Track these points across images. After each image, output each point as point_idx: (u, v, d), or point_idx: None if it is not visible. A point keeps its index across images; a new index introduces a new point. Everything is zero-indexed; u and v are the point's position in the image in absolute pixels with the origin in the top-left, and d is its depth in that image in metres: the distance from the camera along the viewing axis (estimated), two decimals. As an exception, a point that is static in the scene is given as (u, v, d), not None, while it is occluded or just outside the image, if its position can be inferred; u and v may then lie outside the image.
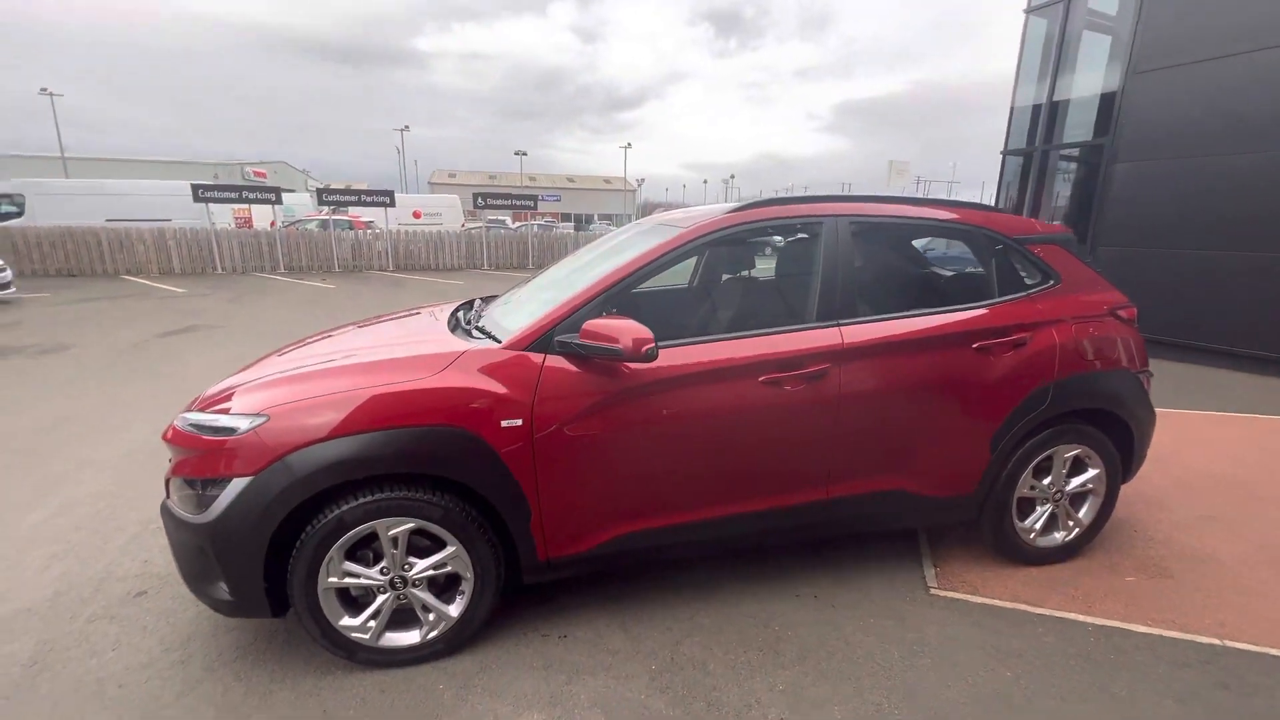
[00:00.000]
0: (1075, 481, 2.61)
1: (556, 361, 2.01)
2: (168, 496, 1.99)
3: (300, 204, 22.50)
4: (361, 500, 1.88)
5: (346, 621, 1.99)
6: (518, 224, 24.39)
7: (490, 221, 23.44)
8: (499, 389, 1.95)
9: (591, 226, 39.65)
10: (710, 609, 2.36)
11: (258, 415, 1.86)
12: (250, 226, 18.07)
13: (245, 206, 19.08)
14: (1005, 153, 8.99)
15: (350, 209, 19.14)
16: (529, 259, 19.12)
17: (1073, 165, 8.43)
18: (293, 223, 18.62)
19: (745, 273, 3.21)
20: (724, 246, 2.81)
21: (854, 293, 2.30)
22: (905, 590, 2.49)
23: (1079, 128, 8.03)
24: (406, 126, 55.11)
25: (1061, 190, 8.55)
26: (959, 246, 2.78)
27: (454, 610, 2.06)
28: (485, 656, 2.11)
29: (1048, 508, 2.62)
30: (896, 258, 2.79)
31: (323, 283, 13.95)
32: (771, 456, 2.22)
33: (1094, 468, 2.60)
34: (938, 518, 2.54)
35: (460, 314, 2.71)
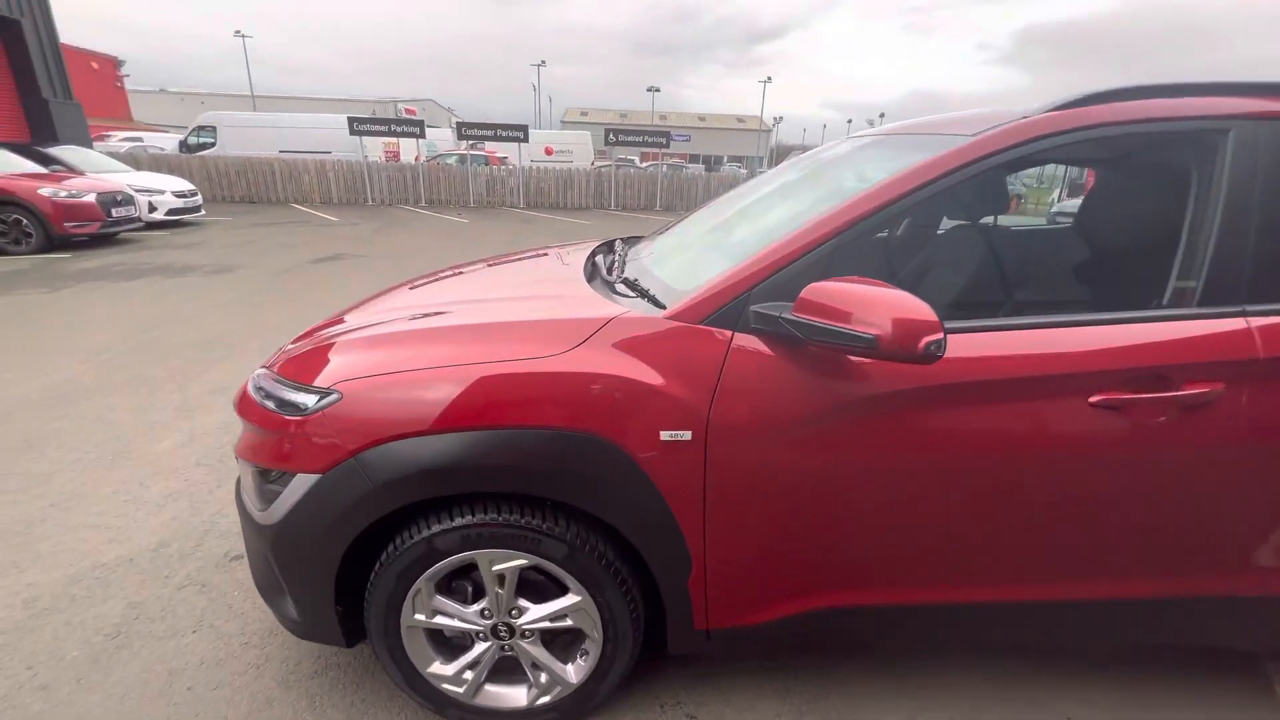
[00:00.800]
0: None
1: (751, 343, 1.28)
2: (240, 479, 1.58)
3: (443, 139, 23.14)
4: (458, 523, 1.32)
5: (437, 669, 1.49)
6: (647, 164, 23.46)
7: (620, 160, 22.73)
8: (658, 381, 1.26)
9: (721, 168, 37.53)
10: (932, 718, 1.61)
11: (329, 390, 1.33)
12: (398, 160, 18.89)
13: (394, 141, 19.94)
14: None
15: (486, 144, 19.32)
16: (656, 200, 18.26)
17: None
18: (434, 157, 19.20)
19: (992, 220, 2.21)
20: (1014, 169, 1.82)
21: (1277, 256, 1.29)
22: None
23: None
24: (543, 62, 55.16)
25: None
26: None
27: (573, 675, 1.49)
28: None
29: None
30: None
31: (458, 217, 14.21)
32: (1096, 523, 1.35)
33: None
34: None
35: (600, 258, 2.04)
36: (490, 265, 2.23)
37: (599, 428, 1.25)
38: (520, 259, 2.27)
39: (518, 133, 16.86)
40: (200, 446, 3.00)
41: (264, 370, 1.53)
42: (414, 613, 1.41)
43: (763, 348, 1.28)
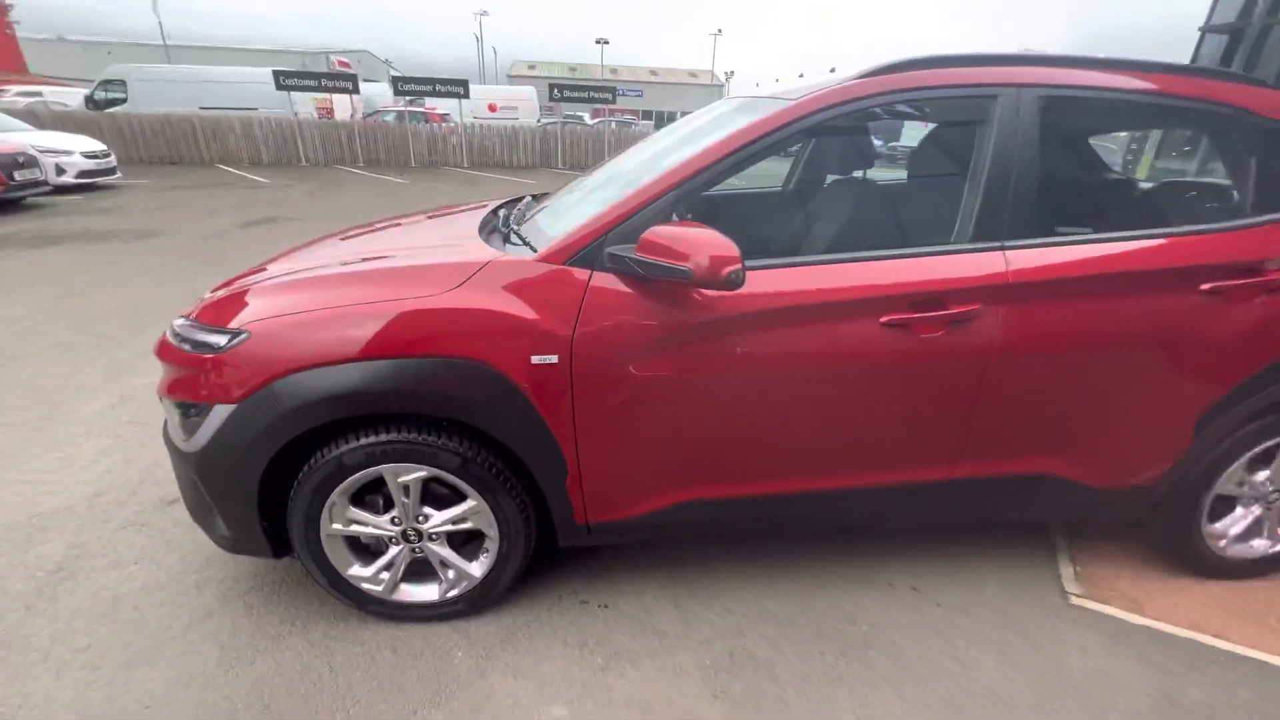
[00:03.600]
0: (1302, 479, 1.91)
1: (606, 281, 1.51)
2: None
3: (380, 94, 22.12)
4: (363, 442, 1.54)
5: (356, 571, 1.73)
6: (595, 120, 23.11)
7: (567, 117, 22.26)
8: (529, 314, 1.49)
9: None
10: (781, 593, 1.95)
11: (240, 331, 1.51)
12: (331, 117, 18.02)
13: (327, 98, 18.95)
14: (1205, 28, 7.05)
15: (426, 100, 18.60)
16: (605, 158, 18.08)
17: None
18: (371, 114, 18.39)
19: (860, 174, 2.49)
20: (840, 133, 2.10)
21: (1031, 203, 1.60)
22: (1035, 595, 1.96)
23: (1321, -6, 6.05)
24: (485, 12, 52.54)
25: None
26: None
27: (476, 570, 1.76)
28: (513, 621, 1.82)
29: (1254, 510, 1.95)
30: (1091, 155, 2.00)
31: (398, 178, 13.80)
32: (884, 423, 1.68)
33: (1336, 463, 1.89)
34: (1095, 512, 1.94)
35: (502, 212, 2.23)
36: (430, 218, 2.36)
37: (480, 354, 1.48)
38: (456, 212, 2.40)
39: (458, 88, 16.31)
40: (131, 406, 3.08)
41: (182, 318, 1.68)
42: (331, 523, 1.64)
43: (616, 285, 1.52)
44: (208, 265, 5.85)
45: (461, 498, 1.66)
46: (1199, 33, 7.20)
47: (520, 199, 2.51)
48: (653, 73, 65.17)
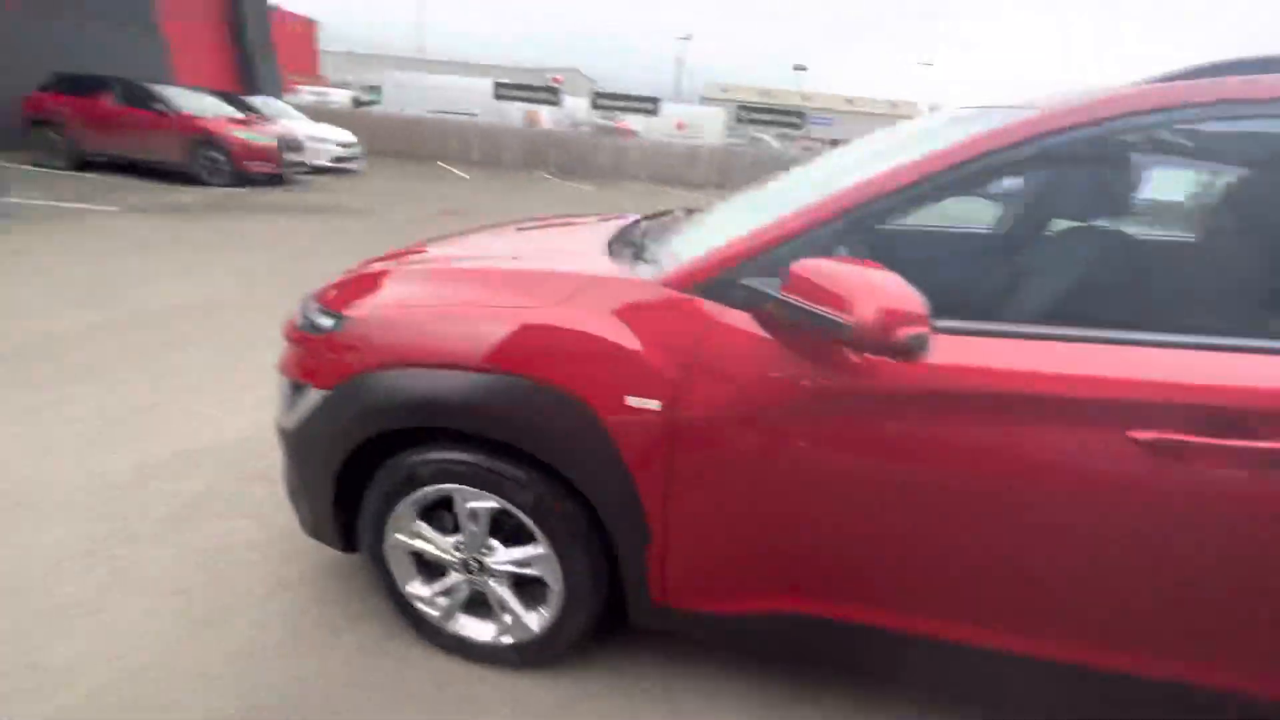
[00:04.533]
0: None
1: (736, 320, 1.20)
2: None
3: (581, 108, 23.89)
4: (434, 457, 1.39)
5: (415, 589, 1.60)
6: (780, 144, 22.66)
7: (753, 138, 22.09)
8: (634, 345, 1.23)
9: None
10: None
11: (342, 316, 1.44)
12: (539, 125, 19.76)
13: (535, 108, 20.87)
14: None
15: (619, 115, 19.61)
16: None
17: None
18: (571, 125, 19.83)
19: (1104, 224, 1.87)
20: (1093, 163, 1.56)
21: None
22: None
23: None
24: (689, 36, 54.58)
25: None
26: None
27: (533, 622, 1.53)
28: (567, 692, 1.57)
29: None
30: None
31: (585, 185, 14.64)
32: (1104, 580, 1.14)
33: None
34: None
35: (643, 225, 2.01)
36: (602, 221, 2.22)
37: (568, 382, 1.25)
38: (603, 220, 2.24)
39: (649, 105, 16.94)
40: (300, 363, 3.40)
41: (307, 295, 1.69)
42: (395, 532, 1.52)
43: (749, 326, 1.19)
44: (400, 241, 6.52)
45: (531, 538, 1.45)
46: None
47: (667, 212, 2.28)
48: (849, 101, 62.78)
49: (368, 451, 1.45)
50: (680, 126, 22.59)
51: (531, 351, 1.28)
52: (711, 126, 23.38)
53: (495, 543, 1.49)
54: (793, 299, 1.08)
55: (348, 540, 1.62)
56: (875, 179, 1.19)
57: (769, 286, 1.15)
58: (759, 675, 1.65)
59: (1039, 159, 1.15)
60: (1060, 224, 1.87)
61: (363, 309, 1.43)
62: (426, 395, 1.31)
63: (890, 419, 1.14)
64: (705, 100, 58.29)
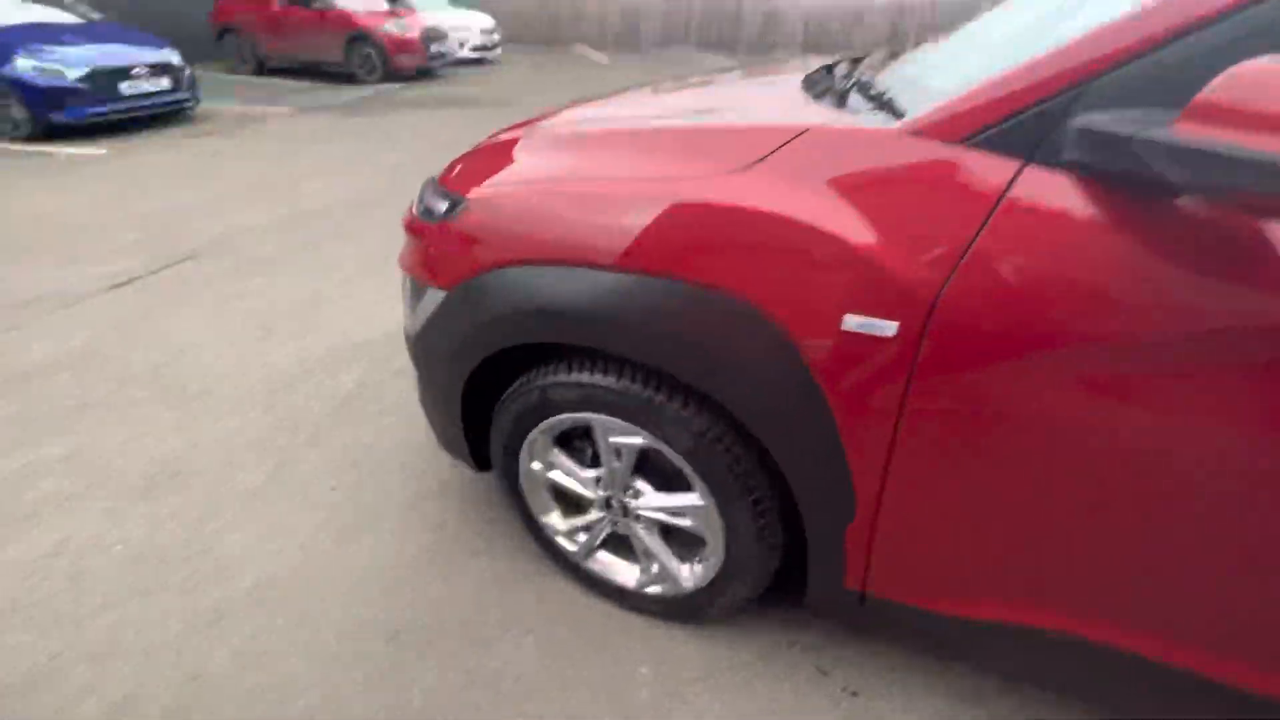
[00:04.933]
0: None
1: (1056, 185, 0.71)
2: None
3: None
4: (574, 379, 1.10)
5: (551, 521, 1.40)
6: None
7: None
8: (863, 233, 0.79)
9: None
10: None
11: (459, 199, 1.15)
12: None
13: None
14: None
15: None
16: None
17: None
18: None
19: None
20: None
21: None
22: None
23: None
24: None
25: None
26: None
27: (685, 576, 1.27)
28: (720, 656, 1.32)
29: None
30: None
31: (728, 59, 13.19)
32: None
33: None
34: None
35: (842, 67, 1.45)
36: (776, 74, 1.72)
37: (751, 291, 0.86)
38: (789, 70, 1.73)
39: (809, -45, 14.38)
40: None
41: (431, 177, 1.42)
42: (530, 460, 1.30)
43: (1080, 198, 0.70)
44: (538, 136, 6.26)
45: (688, 485, 1.15)
46: None
47: (861, 58, 1.66)
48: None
49: (498, 364, 1.21)
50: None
51: (691, 243, 0.89)
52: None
53: (644, 484, 1.22)
54: (1203, 140, 0.56)
55: (481, 459, 1.45)
56: None
57: (1133, 127, 0.63)
58: (947, 661, 1.28)
59: None
60: None
61: (483, 189, 1.12)
62: (552, 303, 1.00)
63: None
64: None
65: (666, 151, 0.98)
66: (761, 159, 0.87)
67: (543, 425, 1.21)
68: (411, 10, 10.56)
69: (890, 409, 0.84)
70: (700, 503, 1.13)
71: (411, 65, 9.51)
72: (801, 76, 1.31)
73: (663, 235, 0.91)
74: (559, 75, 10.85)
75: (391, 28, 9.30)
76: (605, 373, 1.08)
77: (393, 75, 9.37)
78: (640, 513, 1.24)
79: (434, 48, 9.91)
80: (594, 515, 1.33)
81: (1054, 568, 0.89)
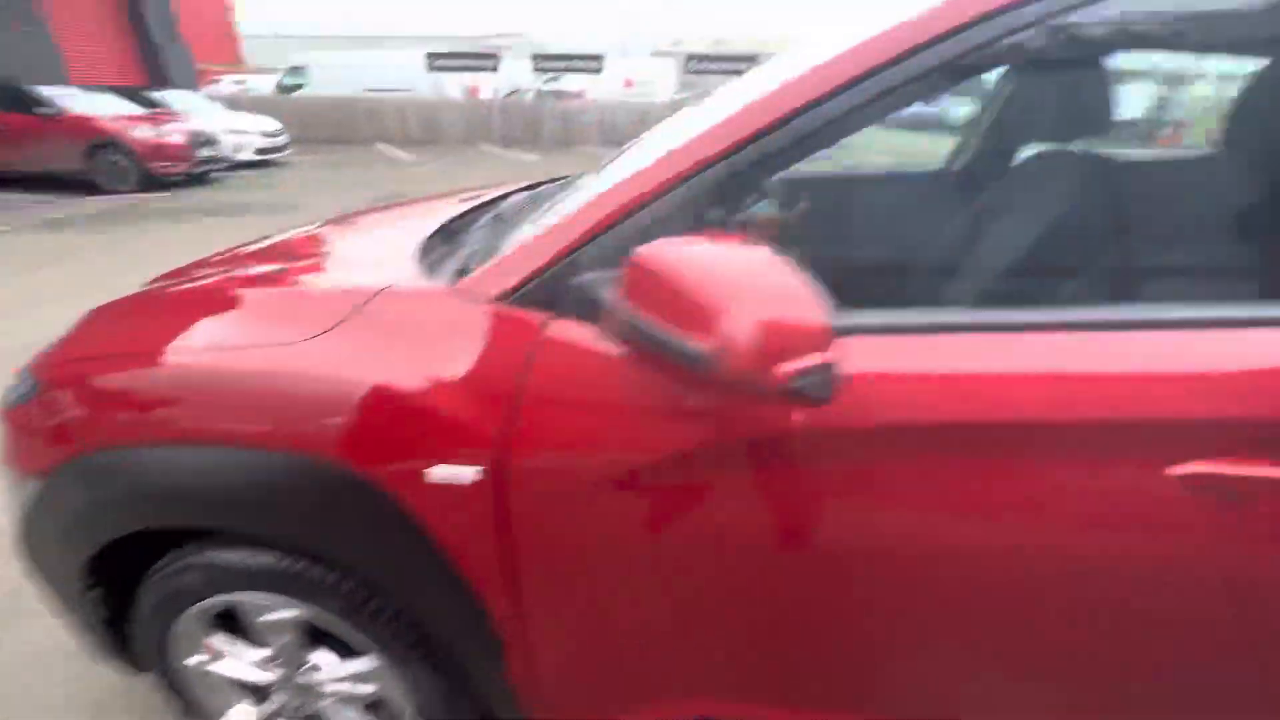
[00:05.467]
0: None
1: (574, 333, 0.81)
2: None
3: (523, 73, 22.59)
4: (187, 558, 0.99)
5: (238, 718, 1.21)
6: (736, 95, 21.70)
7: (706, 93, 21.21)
8: (427, 386, 0.83)
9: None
10: None
11: (33, 380, 1.01)
12: (477, 96, 18.66)
13: (474, 77, 19.65)
14: None
15: (565, 77, 18.61)
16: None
17: None
18: (510, 93, 18.78)
19: (1083, 148, 1.47)
20: (1057, 71, 1.12)
21: None
22: None
23: None
24: (637, -13, 52.22)
25: None
26: None
27: (391, 751, 1.16)
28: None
29: None
30: None
31: (529, 155, 13.90)
32: (1142, 663, 0.80)
33: None
34: None
35: (507, 201, 1.58)
36: (472, 197, 1.74)
37: (345, 454, 0.85)
38: (472, 195, 1.78)
39: (593, 63, 16.03)
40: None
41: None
42: (184, 657, 1.13)
43: (593, 344, 0.80)
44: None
45: (360, 648, 1.07)
46: None
47: (535, 185, 1.82)
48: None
49: (124, 556, 1.05)
50: (629, 84, 21.58)
51: (286, 412, 0.87)
52: (664, 82, 22.37)
53: (319, 657, 1.11)
54: (631, 309, 0.68)
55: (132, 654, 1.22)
56: (742, 114, 0.78)
57: (604, 286, 0.75)
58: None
59: (977, 59, 0.74)
60: (1020, 152, 1.47)
61: (57, 367, 1.00)
62: (140, 488, 0.90)
63: (808, 461, 0.76)
64: (656, 54, 56.26)
65: (269, 318, 0.96)
66: (344, 319, 0.89)
67: (187, 615, 1.06)
68: (174, 115, 9.73)
69: (505, 547, 0.87)
70: (375, 666, 1.06)
71: (174, 171, 8.65)
72: (443, 215, 1.39)
73: (253, 402, 0.88)
74: (352, 173, 10.58)
75: (144, 133, 8.43)
76: (232, 548, 0.99)
77: (155, 182, 8.42)
78: (326, 689, 1.13)
79: (204, 152, 9.15)
80: (281, 698, 1.18)
81: (694, 660, 0.96)
